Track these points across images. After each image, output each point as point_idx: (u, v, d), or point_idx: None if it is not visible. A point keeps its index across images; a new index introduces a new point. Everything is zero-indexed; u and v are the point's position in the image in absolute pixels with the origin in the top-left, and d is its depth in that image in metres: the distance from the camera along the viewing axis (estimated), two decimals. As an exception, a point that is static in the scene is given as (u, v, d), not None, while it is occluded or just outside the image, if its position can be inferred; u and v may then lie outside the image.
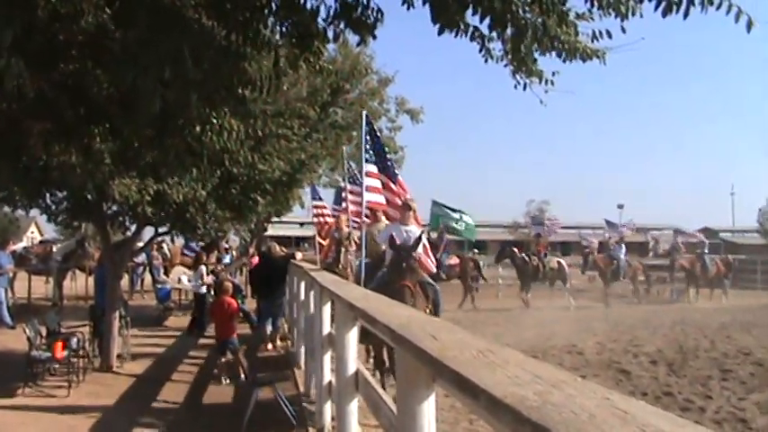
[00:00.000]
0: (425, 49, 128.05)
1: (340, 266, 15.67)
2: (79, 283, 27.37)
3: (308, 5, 7.25)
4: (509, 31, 7.19)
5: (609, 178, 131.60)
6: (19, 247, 30.47)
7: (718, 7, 6.06)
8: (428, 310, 10.66)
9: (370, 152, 13.61)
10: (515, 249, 32.33)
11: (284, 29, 7.73)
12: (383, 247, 12.23)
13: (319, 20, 7.37)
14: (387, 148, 15.46)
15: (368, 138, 13.66)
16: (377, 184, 13.65)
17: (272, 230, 36.96)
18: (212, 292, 19.56)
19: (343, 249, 16.34)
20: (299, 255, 18.95)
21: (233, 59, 7.75)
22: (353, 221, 15.46)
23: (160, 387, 13.62)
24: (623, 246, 33.65)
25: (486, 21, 6.90)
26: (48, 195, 14.17)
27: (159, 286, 25.43)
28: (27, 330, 12.91)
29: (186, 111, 9.02)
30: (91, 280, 22.48)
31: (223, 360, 14.38)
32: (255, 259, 22.44)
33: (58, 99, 9.55)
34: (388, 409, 5.27)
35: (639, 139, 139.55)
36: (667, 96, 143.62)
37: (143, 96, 7.39)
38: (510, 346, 3.77)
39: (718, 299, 33.83)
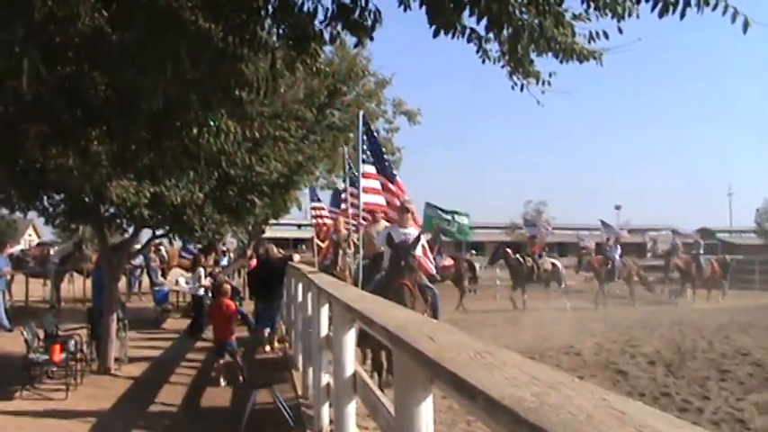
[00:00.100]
0: (422, 50, 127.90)
1: (338, 269, 15.67)
2: (77, 286, 27.40)
3: (305, 7, 7.25)
4: (506, 32, 7.19)
5: (606, 179, 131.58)
6: (16, 249, 30.40)
7: (715, 8, 6.06)
8: (427, 314, 10.59)
9: (368, 153, 13.62)
10: (509, 250, 32.35)
11: (281, 31, 7.73)
12: (381, 249, 12.22)
13: (316, 22, 7.37)
14: (384, 149, 15.44)
15: (365, 138, 13.67)
16: (375, 185, 13.65)
17: (269, 232, 36.98)
18: (210, 295, 19.56)
19: (341, 252, 16.35)
20: (296, 257, 18.96)
21: (230, 61, 7.74)
22: (352, 223, 15.47)
23: (158, 389, 13.60)
24: (618, 246, 33.69)
25: (483, 22, 6.90)
26: (45, 198, 14.17)
27: (157, 288, 25.42)
28: (24, 333, 12.90)
29: (184, 112, 9.03)
30: (88, 282, 22.49)
31: (221, 362, 14.36)
32: (254, 261, 22.45)
33: (55, 102, 9.56)
34: (386, 411, 5.27)
35: (636, 139, 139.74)
36: (664, 97, 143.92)
37: (144, 95, 7.38)
38: (508, 347, 3.77)
39: (716, 299, 33.87)
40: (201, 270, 21.15)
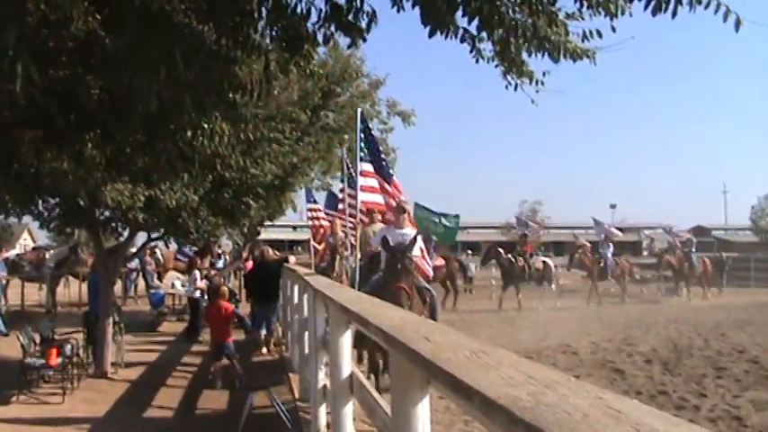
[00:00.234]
0: (415, 50, 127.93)
1: (335, 273, 15.63)
2: (72, 290, 27.35)
3: (298, 9, 7.23)
4: (498, 32, 7.19)
5: (601, 178, 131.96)
6: (12, 254, 30.35)
7: (707, 6, 6.07)
8: (425, 315, 10.54)
9: (365, 151, 13.58)
10: (501, 250, 32.37)
11: (274, 33, 7.71)
12: (377, 249, 12.18)
13: (309, 23, 7.36)
14: (381, 148, 15.41)
15: (362, 136, 13.62)
16: (373, 183, 13.61)
17: (264, 234, 37.00)
18: (206, 297, 19.55)
19: (338, 256, 16.31)
20: (292, 258, 18.98)
21: (223, 64, 7.72)
22: (350, 223, 15.45)
23: (155, 393, 13.60)
24: (611, 245, 33.75)
25: (475, 22, 6.91)
26: (40, 202, 14.17)
27: (153, 291, 25.44)
28: (20, 337, 12.89)
29: (178, 115, 9.01)
30: (84, 286, 22.45)
31: (218, 365, 14.35)
32: (250, 263, 22.45)
33: (49, 105, 9.54)
34: (382, 412, 5.27)
35: (630, 138, 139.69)
36: (657, 95, 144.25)
37: (139, 97, 7.37)
38: (504, 347, 3.77)
39: (711, 297, 33.94)
40: (197, 272, 21.14)
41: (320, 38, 7.52)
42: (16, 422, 11.12)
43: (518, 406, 2.20)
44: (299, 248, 50.57)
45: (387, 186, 13.61)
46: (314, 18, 7.26)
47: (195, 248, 23.31)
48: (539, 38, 7.27)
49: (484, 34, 7.36)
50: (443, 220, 17.10)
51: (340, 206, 18.14)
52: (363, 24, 7.13)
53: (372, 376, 11.24)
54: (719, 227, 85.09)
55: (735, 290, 36.68)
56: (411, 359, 3.52)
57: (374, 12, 7.12)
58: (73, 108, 9.91)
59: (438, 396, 4.74)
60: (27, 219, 15.58)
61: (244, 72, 8.19)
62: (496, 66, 7.95)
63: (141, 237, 17.26)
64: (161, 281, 27.16)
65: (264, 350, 17.60)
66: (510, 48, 7.43)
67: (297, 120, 16.34)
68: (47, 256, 28.09)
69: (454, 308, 28.05)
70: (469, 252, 52.63)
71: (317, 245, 20.60)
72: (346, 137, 26.18)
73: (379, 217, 14.57)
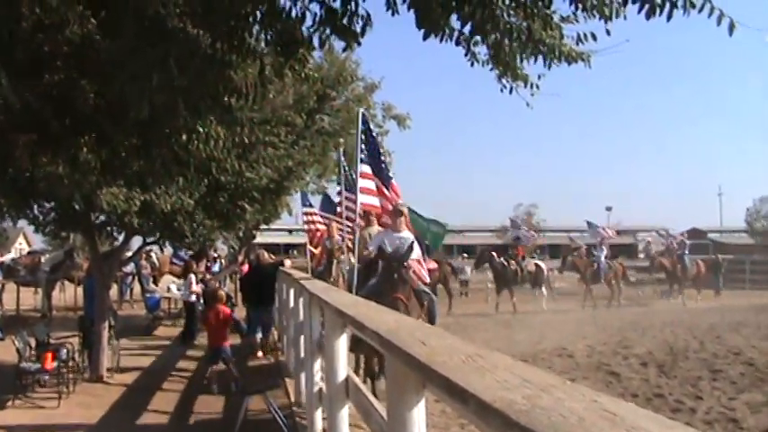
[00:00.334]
0: (410, 53, 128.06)
1: (332, 278, 15.56)
2: (68, 294, 27.33)
3: (293, 13, 7.23)
4: (493, 36, 7.20)
5: (596, 181, 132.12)
6: (7, 258, 30.39)
7: (701, 10, 6.08)
8: (422, 319, 10.48)
9: (365, 152, 13.49)
10: (494, 253, 32.41)
11: (269, 37, 7.71)
12: (372, 253, 12.14)
13: (304, 27, 7.36)
14: (382, 150, 15.32)
15: (362, 137, 13.53)
16: (371, 185, 13.55)
17: (260, 238, 36.89)
18: (201, 301, 19.54)
19: (335, 261, 16.26)
20: (287, 262, 18.96)
21: (218, 68, 7.73)
22: (347, 227, 15.42)
23: (151, 397, 13.57)
24: (604, 248, 33.81)
25: (469, 26, 6.92)
26: (35, 206, 14.15)
27: (148, 295, 25.40)
28: (16, 342, 12.87)
29: (173, 119, 9.01)
30: (80, 290, 22.42)
31: (214, 369, 14.32)
32: (245, 267, 22.44)
33: (44, 110, 9.53)
34: (378, 416, 5.26)
35: (626, 140, 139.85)
36: (652, 98, 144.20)
37: (131, 103, 7.37)
38: (500, 350, 3.77)
39: (706, 299, 33.97)
40: (193, 276, 21.12)
41: (315, 42, 7.52)
42: (12, 427, 11.10)
43: (513, 409, 2.19)
44: (295, 252, 50.45)
45: (384, 190, 13.54)
46: (309, 22, 7.27)
47: (191, 252, 23.30)
48: (533, 41, 7.28)
49: (478, 38, 7.37)
50: (431, 227, 17.08)
51: (338, 209, 18.10)
52: (358, 28, 7.13)
53: (369, 380, 11.21)
54: (715, 229, 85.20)
55: (730, 292, 36.75)
56: (407, 363, 3.51)
57: (369, 15, 7.12)
58: (68, 112, 9.90)
59: (434, 399, 4.74)
60: (22, 223, 15.54)
61: (239, 76, 8.19)
62: (491, 69, 7.96)
63: (137, 241, 17.28)
64: (157, 285, 27.12)
65: (260, 354, 17.58)
66: (504, 51, 7.44)
67: (292, 123, 16.31)
68: (42, 260, 28.07)
69: (449, 311, 28.06)
70: (465, 255, 52.67)
71: (313, 249, 20.58)
72: (342, 140, 26.21)
73: (375, 218, 14.52)
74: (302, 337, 10.99)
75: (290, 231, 63.29)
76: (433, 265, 29.30)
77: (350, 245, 15.10)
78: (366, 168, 13.45)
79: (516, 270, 31.23)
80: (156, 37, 7.12)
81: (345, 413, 7.00)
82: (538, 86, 8.10)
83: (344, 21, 7.07)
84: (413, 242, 11.37)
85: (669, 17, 6.18)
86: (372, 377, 11.29)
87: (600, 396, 2.32)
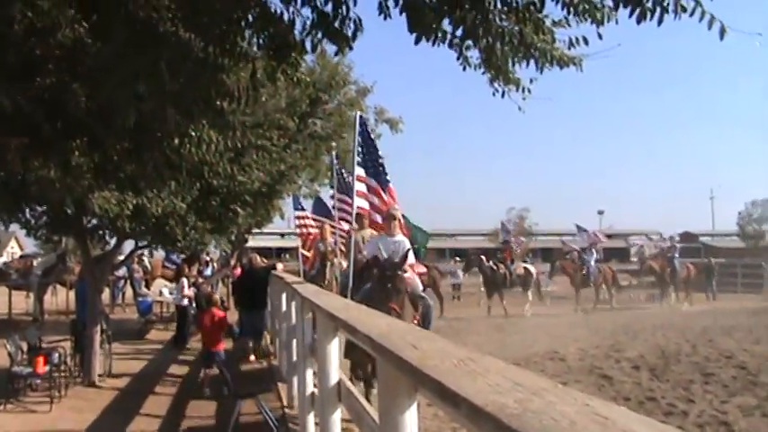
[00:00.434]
0: (402, 57, 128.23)
1: (325, 282, 15.50)
2: (60, 298, 27.30)
3: (285, 17, 7.23)
4: (484, 40, 7.20)
5: (588, 184, 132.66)
6: (-2, 262, 30.32)
7: (692, 14, 6.10)
8: (416, 322, 10.44)
9: (362, 155, 13.42)
10: (483, 257, 32.47)
11: (261, 41, 7.71)
12: (364, 257, 12.10)
13: (296, 31, 7.35)
14: (380, 152, 15.22)
15: (360, 140, 13.45)
16: (363, 188, 13.49)
17: (252, 242, 36.88)
18: (194, 305, 19.52)
19: (328, 264, 16.19)
20: (279, 266, 18.93)
21: (210, 71, 7.71)
22: (340, 230, 15.39)
23: (143, 401, 13.55)
24: (594, 251, 33.89)
25: (461, 31, 6.93)
26: (27, 210, 14.12)
27: (140, 299, 25.39)
28: (8, 346, 12.86)
29: (163, 124, 9.00)
30: (72, 294, 22.40)
31: (208, 372, 14.31)
32: (238, 271, 22.43)
33: (35, 113, 9.50)
34: (370, 419, 5.26)
35: (617, 144, 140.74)
36: (643, 102, 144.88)
37: (117, 110, 7.36)
38: (492, 354, 3.78)
39: (696, 302, 34.03)
40: (185, 280, 21.11)
41: (307, 45, 7.51)
42: (3, 431, 11.08)
43: (505, 413, 2.20)
44: (287, 256, 50.52)
45: (382, 193, 13.46)
46: (300, 26, 7.26)
47: (183, 256, 23.28)
48: (525, 45, 7.29)
49: (470, 42, 7.37)
50: (417, 234, 17.06)
51: (333, 212, 18.06)
52: (350, 32, 7.12)
53: (362, 384, 11.17)
54: (707, 233, 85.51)
55: (722, 295, 36.84)
56: (398, 366, 3.51)
57: (360, 19, 7.12)
58: (60, 116, 9.87)
59: (426, 403, 4.74)
60: (14, 227, 15.54)
61: (231, 80, 8.19)
62: (483, 73, 7.96)
63: (129, 245, 17.24)
64: (149, 289, 27.14)
65: (252, 358, 17.55)
66: (496, 55, 7.45)
67: (284, 127, 16.35)
68: (34, 264, 28.03)
69: (441, 315, 28.06)
70: (457, 259, 52.66)
71: (305, 252, 20.56)
72: (334, 144, 26.20)
73: (367, 221, 14.48)
74: (294, 340, 10.98)
75: (283, 235, 63.42)
76: (422, 269, 29.43)
77: (343, 248, 15.07)
78: (360, 171, 13.40)
79: (505, 274, 31.32)
80: (148, 41, 7.11)
81: (338, 417, 6.99)
82: (530, 90, 8.10)
83: (336, 25, 7.06)
84: (409, 249, 11.26)
85: (660, 21, 6.19)
86: (368, 383, 11.23)
87: (592, 399, 2.32)
